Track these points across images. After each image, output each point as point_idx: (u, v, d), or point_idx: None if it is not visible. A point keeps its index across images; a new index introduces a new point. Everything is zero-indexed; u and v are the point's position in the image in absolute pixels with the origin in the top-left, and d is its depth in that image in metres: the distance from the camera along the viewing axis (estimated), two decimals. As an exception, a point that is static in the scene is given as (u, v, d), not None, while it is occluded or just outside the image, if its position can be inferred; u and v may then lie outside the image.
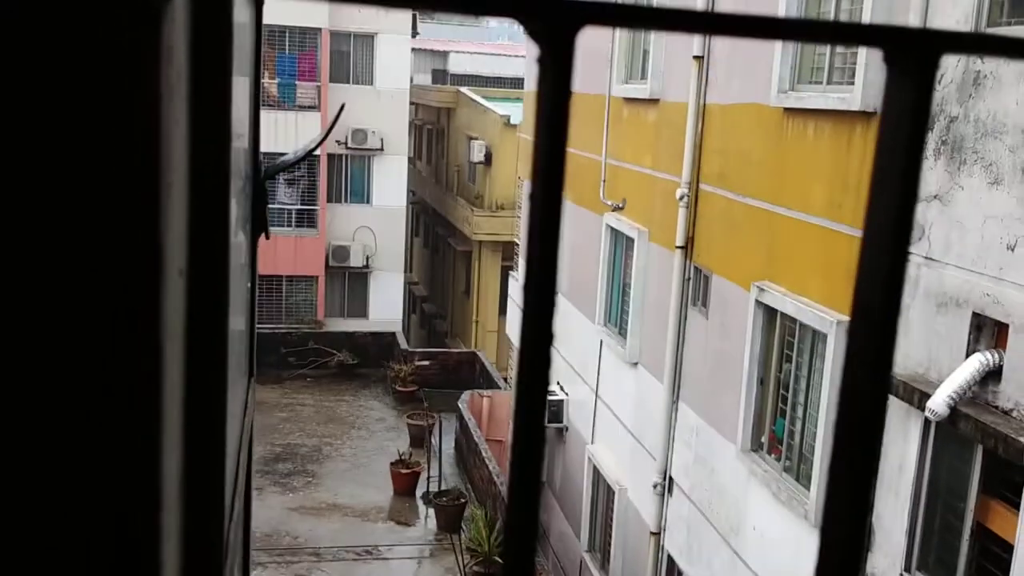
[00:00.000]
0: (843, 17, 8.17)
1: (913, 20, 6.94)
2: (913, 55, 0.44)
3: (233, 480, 1.29)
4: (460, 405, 19.68)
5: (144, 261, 0.50)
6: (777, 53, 8.77)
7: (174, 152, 0.55)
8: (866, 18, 7.50)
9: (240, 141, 1.42)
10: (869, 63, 7.42)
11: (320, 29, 25.66)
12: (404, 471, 18.03)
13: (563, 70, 0.42)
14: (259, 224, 1.71)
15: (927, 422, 6.68)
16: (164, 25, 0.48)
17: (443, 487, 17.70)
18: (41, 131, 0.48)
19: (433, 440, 18.75)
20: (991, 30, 6.39)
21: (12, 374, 0.51)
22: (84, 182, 0.49)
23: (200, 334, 0.72)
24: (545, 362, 0.45)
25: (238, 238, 1.39)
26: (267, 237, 1.79)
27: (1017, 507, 6.06)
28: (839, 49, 8.24)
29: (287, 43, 25.77)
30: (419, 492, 18.10)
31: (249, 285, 1.71)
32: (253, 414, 1.83)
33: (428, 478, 17.92)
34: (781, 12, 8.71)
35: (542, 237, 0.42)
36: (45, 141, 0.48)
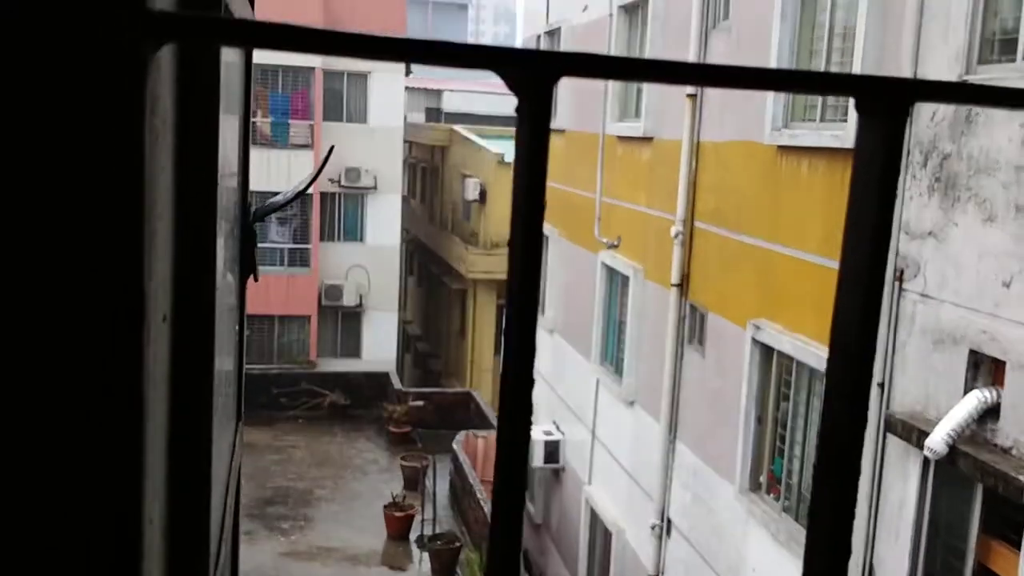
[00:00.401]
0: (835, 55, 8.24)
1: (905, 59, 6.99)
2: (884, 103, 0.45)
3: (220, 525, 1.24)
4: (455, 446, 19.55)
5: (126, 308, 0.49)
6: (770, 91, 8.82)
7: (159, 198, 0.53)
8: (857, 56, 7.56)
9: (229, 182, 1.39)
10: (861, 101, 7.45)
11: (313, 68, 25.83)
12: (398, 514, 17.83)
13: (540, 119, 0.43)
14: (247, 266, 1.68)
15: (926, 461, 6.63)
16: (150, 76, 0.46)
17: (437, 530, 17.50)
18: (26, 178, 0.48)
19: (427, 482, 18.58)
20: (982, 68, 6.43)
21: None
22: (66, 229, 0.49)
23: (185, 380, 0.69)
24: (527, 395, 0.44)
25: (226, 280, 1.36)
26: (255, 279, 1.75)
27: (1018, 547, 5.99)
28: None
29: (280, 82, 25.94)
30: (413, 535, 17.90)
31: (237, 328, 1.67)
32: (241, 458, 1.79)
33: (422, 521, 17.72)
34: (773, 53, 8.78)
35: (521, 278, 0.41)
36: (30, 188, 0.48)
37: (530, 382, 0.45)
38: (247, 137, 1.75)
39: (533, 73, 0.43)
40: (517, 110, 0.44)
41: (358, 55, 0.42)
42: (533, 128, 0.43)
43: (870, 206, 0.47)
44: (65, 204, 0.48)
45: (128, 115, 0.47)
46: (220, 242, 1.26)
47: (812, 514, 0.49)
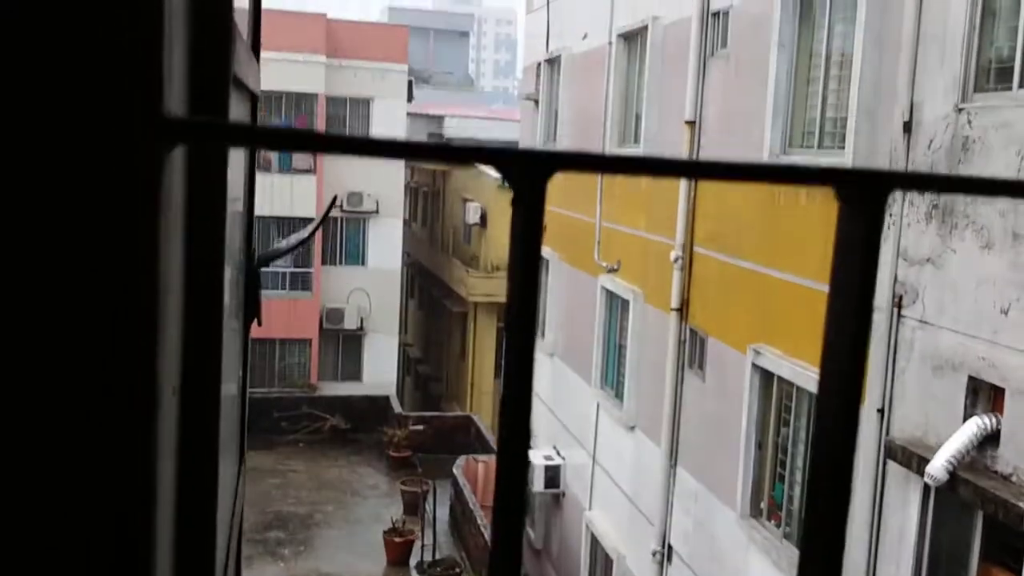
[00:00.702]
0: (832, 82, 8.30)
1: (901, 86, 7.05)
2: (863, 194, 0.47)
3: (223, 571, 1.26)
4: (455, 471, 19.48)
5: (139, 390, 0.51)
6: (768, 117, 8.89)
7: (170, 283, 0.56)
8: (854, 84, 7.62)
9: (234, 230, 1.42)
10: (860, 128, 7.51)
11: (316, 94, 25.98)
12: (398, 539, 17.75)
13: (535, 212, 0.45)
14: (251, 311, 1.71)
15: (926, 487, 6.62)
16: (165, 173, 0.50)
17: (437, 556, 17.42)
18: (46, 274, 0.50)
19: (427, 507, 18.51)
20: (978, 96, 6.48)
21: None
22: (81, 317, 0.51)
23: (192, 445, 0.71)
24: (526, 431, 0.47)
25: (231, 327, 1.38)
26: (259, 323, 1.78)
27: (1019, 574, 5.98)
28: (829, 113, 8.36)
29: (283, 108, 26.08)
30: (413, 561, 17.80)
31: (240, 373, 1.70)
32: (243, 498, 1.81)
33: (422, 547, 17.63)
34: (771, 80, 8.85)
35: (518, 366, 0.43)
36: (50, 285, 0.50)
37: (528, 415, 0.48)
38: (252, 182, 1.78)
39: (530, 171, 0.46)
40: (513, 202, 0.46)
41: (365, 155, 0.46)
42: (528, 219, 0.46)
43: (851, 293, 0.49)
44: (81, 295, 0.50)
45: (143, 215, 0.50)
46: (226, 291, 1.30)
47: (805, 536, 0.51)
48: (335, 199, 3.37)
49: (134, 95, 0.49)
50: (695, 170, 0.52)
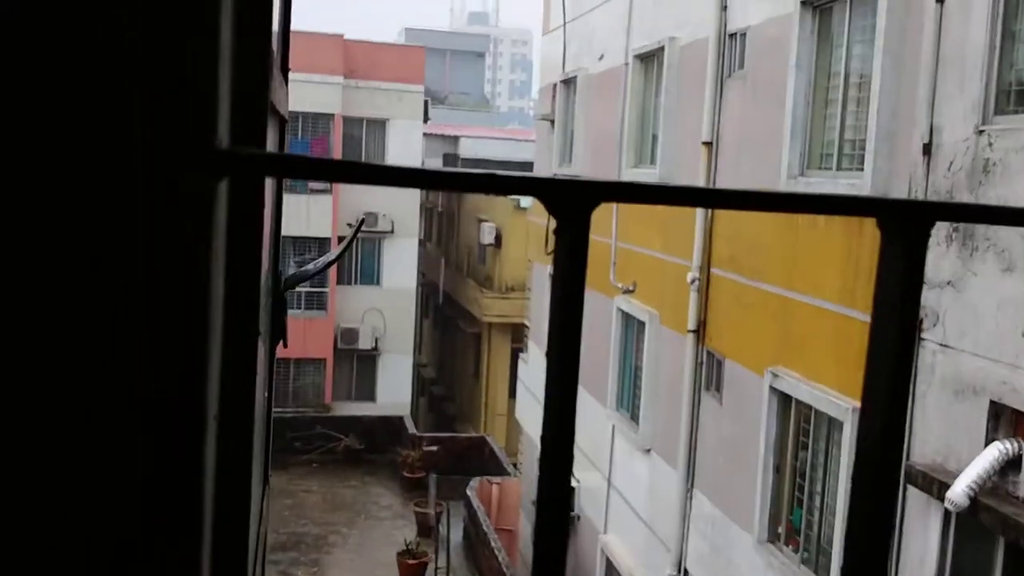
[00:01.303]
0: (851, 104, 8.28)
1: (920, 109, 7.02)
2: (905, 225, 0.47)
3: None
4: (469, 492, 19.41)
5: (189, 411, 0.51)
6: (786, 138, 8.87)
7: (215, 310, 0.56)
8: (872, 106, 7.59)
9: (264, 259, 1.42)
10: (879, 150, 7.48)
11: (332, 115, 26.15)
12: (411, 562, 17.67)
13: (579, 243, 0.46)
14: (277, 333, 1.70)
15: (947, 513, 6.54)
16: (216, 206, 0.50)
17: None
18: (100, 306, 0.51)
19: (441, 529, 18.44)
20: (999, 119, 6.44)
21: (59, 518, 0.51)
22: (132, 347, 0.52)
23: (227, 475, 0.71)
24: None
25: (260, 348, 1.38)
26: (285, 345, 1.77)
27: (1045, 603, 5.89)
28: (848, 135, 8.33)
29: (300, 128, 26.25)
30: (427, 582, 17.73)
31: (267, 395, 1.69)
32: (268, 522, 1.80)
33: (436, 569, 17.55)
34: (788, 102, 8.83)
35: (559, 410, 0.42)
36: (105, 316, 0.51)
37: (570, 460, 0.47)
38: (280, 207, 1.78)
39: (573, 200, 0.46)
40: (556, 232, 0.47)
41: (406, 186, 0.45)
42: (572, 250, 0.47)
43: (892, 328, 0.49)
44: (134, 326, 0.51)
45: (196, 244, 0.50)
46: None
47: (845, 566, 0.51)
48: (362, 221, 3.39)
49: (190, 128, 0.49)
50: (738, 200, 0.51)
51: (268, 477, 1.77)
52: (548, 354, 0.48)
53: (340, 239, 26.49)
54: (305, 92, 25.34)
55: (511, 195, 0.47)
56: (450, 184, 0.49)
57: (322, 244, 26.23)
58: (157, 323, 0.51)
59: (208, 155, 0.48)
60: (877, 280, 0.50)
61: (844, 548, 0.50)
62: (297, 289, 26.45)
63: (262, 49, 0.79)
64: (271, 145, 1.26)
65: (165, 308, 0.51)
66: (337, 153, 26.20)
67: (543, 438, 0.48)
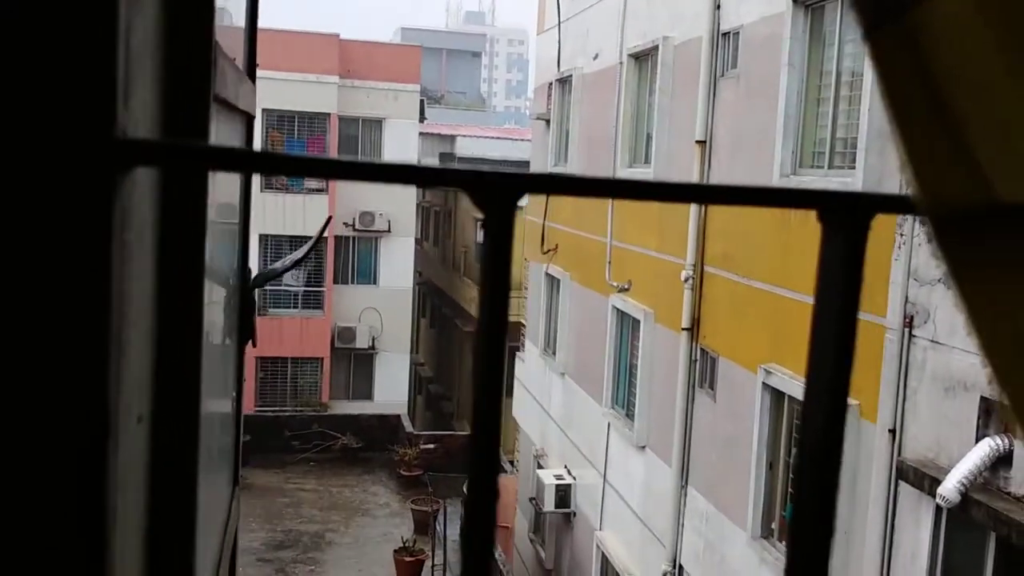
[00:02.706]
0: (843, 103, 8.29)
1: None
2: (845, 217, 0.47)
3: None
4: (465, 490, 19.37)
5: (90, 420, 0.50)
6: (779, 137, 8.88)
7: (132, 306, 0.55)
8: (864, 104, 7.61)
9: (229, 250, 1.42)
10: (870, 147, 7.50)
11: (329, 114, 26.14)
12: (408, 559, 17.69)
13: (503, 233, 0.45)
14: (246, 333, 1.71)
15: (939, 509, 6.56)
16: (123, 193, 0.49)
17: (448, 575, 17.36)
18: None
19: (438, 526, 18.46)
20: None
21: None
22: (25, 343, 0.50)
23: (165, 479, 0.71)
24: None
25: (225, 348, 1.39)
26: (254, 345, 1.78)
27: (1034, 598, 5.91)
28: (840, 133, 8.35)
29: (296, 128, 26.24)
30: (424, 580, 17.75)
31: (235, 394, 1.70)
32: (236, 524, 1.80)
33: (432, 566, 17.58)
34: (781, 101, 8.85)
35: (485, 387, 0.43)
36: None
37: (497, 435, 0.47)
38: (248, 204, 1.79)
39: (497, 192, 0.46)
40: (482, 224, 0.47)
41: (325, 177, 0.46)
42: (497, 241, 0.46)
43: (833, 315, 0.48)
44: (26, 321, 0.50)
45: (94, 237, 0.49)
46: (220, 309, 1.30)
47: (789, 552, 0.51)
48: (329, 219, 3.40)
49: (83, 116, 0.48)
50: (671, 193, 0.52)
51: (238, 478, 1.77)
52: (474, 347, 0.50)
53: (336, 238, 26.50)
54: (301, 92, 25.34)
55: (435, 187, 0.49)
56: (368, 175, 0.49)
57: (318, 243, 26.21)
58: (49, 320, 0.49)
59: (106, 144, 0.47)
60: (818, 274, 0.50)
61: (788, 540, 0.50)
62: (294, 288, 26.46)
63: (200, 35, 0.79)
64: (228, 142, 1.27)
65: (58, 304, 0.49)
66: (333, 152, 26.18)
67: (471, 430, 0.49)
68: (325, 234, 25.90)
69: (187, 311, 0.74)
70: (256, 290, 1.90)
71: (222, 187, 1.18)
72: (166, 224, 0.64)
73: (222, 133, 1.06)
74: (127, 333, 0.54)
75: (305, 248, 2.89)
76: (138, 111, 0.56)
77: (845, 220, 0.49)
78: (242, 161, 0.44)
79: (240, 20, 1.58)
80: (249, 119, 1.59)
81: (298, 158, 0.46)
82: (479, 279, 0.51)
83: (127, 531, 0.60)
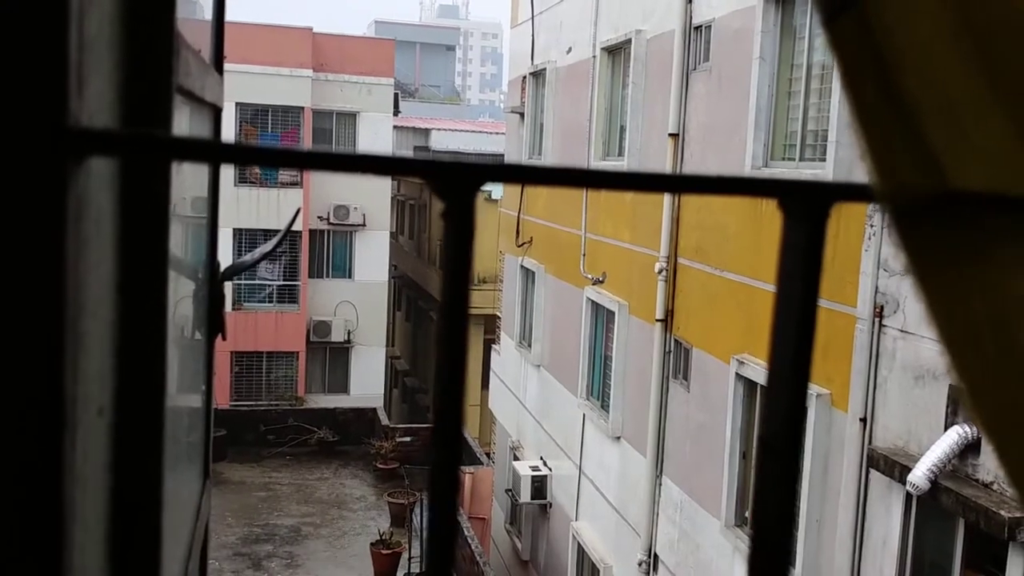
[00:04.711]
0: (813, 96, 8.36)
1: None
2: (805, 205, 0.47)
3: None
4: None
5: (45, 411, 0.50)
6: (750, 129, 8.94)
7: (91, 296, 0.55)
8: (835, 96, 7.67)
9: (197, 242, 1.42)
10: (840, 140, 7.57)
11: (303, 108, 25.99)
12: (385, 551, 17.69)
13: (464, 222, 0.46)
14: (215, 326, 1.71)
15: (909, 496, 6.65)
16: (78, 182, 0.49)
17: (424, 568, 17.34)
18: None
19: (415, 519, 18.46)
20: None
21: None
22: None
23: (129, 471, 0.71)
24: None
25: (194, 341, 1.39)
26: (223, 338, 1.79)
27: (1001, 582, 6.01)
28: (811, 126, 8.42)
29: (270, 121, 26.07)
30: (400, 573, 17.75)
31: (204, 387, 1.70)
32: (208, 519, 1.80)
33: (409, 558, 17.58)
34: (752, 93, 8.91)
35: (448, 376, 0.44)
36: None
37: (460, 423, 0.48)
38: (217, 200, 1.79)
39: (457, 182, 0.46)
40: (442, 214, 0.48)
41: (283, 166, 0.46)
42: (458, 229, 0.46)
43: (794, 303, 0.49)
44: None
45: (46, 226, 0.49)
46: (188, 302, 1.30)
47: (754, 525, 0.51)
48: (298, 211, 3.39)
49: (33, 104, 0.48)
50: (640, 182, 0.53)
51: (209, 472, 1.77)
52: (436, 334, 0.50)
53: (311, 232, 26.37)
54: (274, 85, 25.18)
55: (395, 176, 0.49)
56: (329, 165, 0.49)
57: (293, 237, 26.08)
58: (0, 310, 0.49)
59: (57, 134, 0.47)
60: (779, 263, 0.50)
61: (750, 526, 0.51)
62: (269, 283, 26.33)
63: (161, 24, 0.78)
64: (194, 134, 1.27)
65: (10, 293, 0.49)
66: (308, 146, 25.99)
67: (433, 416, 0.49)
68: (297, 227, 25.74)
69: (150, 301, 0.74)
70: (226, 283, 1.90)
71: (190, 179, 1.18)
72: (126, 214, 0.64)
73: (188, 125, 1.06)
74: (85, 323, 0.54)
75: (275, 240, 2.90)
76: (94, 101, 0.55)
77: (805, 208, 0.49)
78: (195, 151, 0.45)
79: (207, 12, 1.58)
80: (216, 111, 1.58)
81: (255, 148, 0.46)
82: (441, 271, 0.52)
83: (88, 525, 0.60)
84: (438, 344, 0.48)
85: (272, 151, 0.48)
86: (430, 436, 0.48)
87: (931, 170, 0.44)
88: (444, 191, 0.47)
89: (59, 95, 0.48)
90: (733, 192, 0.52)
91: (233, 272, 2.13)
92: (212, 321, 1.64)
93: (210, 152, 0.44)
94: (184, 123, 1.02)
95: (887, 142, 0.45)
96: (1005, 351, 0.43)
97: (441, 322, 0.49)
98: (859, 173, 7.38)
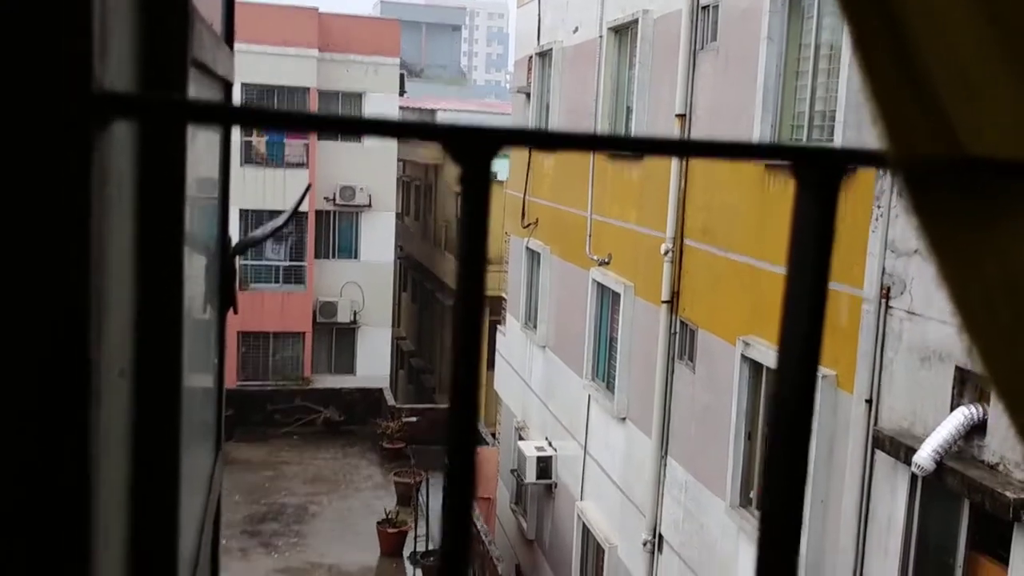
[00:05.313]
0: (821, 75, 8.32)
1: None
2: (817, 172, 0.47)
3: (191, 567, 1.24)
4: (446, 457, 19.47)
5: (71, 370, 0.50)
6: (758, 110, 8.90)
7: (113, 259, 0.56)
8: (843, 76, 7.63)
9: (209, 217, 1.43)
10: (848, 120, 7.53)
11: (308, 88, 25.92)
12: (391, 530, 17.79)
13: (481, 188, 0.46)
14: (227, 300, 1.72)
15: (914, 477, 6.66)
16: (101, 147, 0.50)
17: (431, 546, 17.47)
18: None
19: (421, 498, 18.55)
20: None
21: None
22: (5, 294, 0.50)
23: (150, 430, 0.72)
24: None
25: (204, 315, 1.39)
26: (235, 312, 1.80)
27: (1005, 563, 6.02)
28: (818, 106, 8.38)
29: (276, 102, 26.00)
30: (407, 552, 17.86)
31: (216, 360, 1.71)
32: (220, 489, 1.81)
33: (415, 537, 17.68)
34: (760, 73, 8.87)
35: (463, 341, 0.44)
36: None
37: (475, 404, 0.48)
38: (227, 176, 1.79)
39: (475, 146, 0.46)
40: (460, 179, 0.47)
41: (300, 129, 0.46)
42: (474, 195, 0.46)
43: (807, 269, 0.49)
44: (5, 272, 0.50)
45: (74, 189, 0.49)
46: (199, 276, 1.31)
47: (763, 508, 0.51)
48: (308, 187, 3.40)
49: (60, 69, 0.48)
50: (651, 147, 0.52)
51: (221, 444, 1.78)
52: (454, 307, 0.50)
53: (317, 212, 26.36)
54: (280, 65, 25.11)
55: (412, 140, 0.49)
56: (345, 128, 0.49)
57: (299, 218, 26.07)
58: (30, 273, 0.50)
59: (83, 96, 0.48)
60: (792, 230, 0.50)
61: (761, 505, 0.50)
62: (275, 263, 26.34)
63: (177, 2, 0.79)
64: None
65: (38, 256, 0.50)
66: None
67: (451, 393, 0.49)
68: (304, 207, 25.73)
69: (168, 266, 0.75)
70: (237, 258, 1.90)
71: (201, 154, 1.18)
72: (145, 180, 0.65)
73: (201, 97, 1.06)
74: (108, 286, 0.55)
75: (285, 215, 2.90)
76: (115, 68, 0.56)
77: (817, 174, 0.49)
78: (217, 115, 0.45)
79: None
80: (228, 86, 1.59)
81: (273, 112, 0.46)
82: (456, 238, 0.51)
83: (110, 481, 0.61)
84: (456, 303, 0.48)
85: (289, 115, 0.48)
86: (449, 387, 0.48)
87: (945, 137, 0.44)
88: (462, 155, 0.47)
89: (84, 59, 0.49)
90: (745, 157, 0.52)
91: (244, 246, 2.14)
92: (224, 295, 1.65)
93: (227, 115, 0.44)
94: (198, 95, 1.02)
95: (900, 109, 0.45)
96: (1018, 314, 0.44)
97: (459, 284, 0.50)
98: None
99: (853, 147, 0.54)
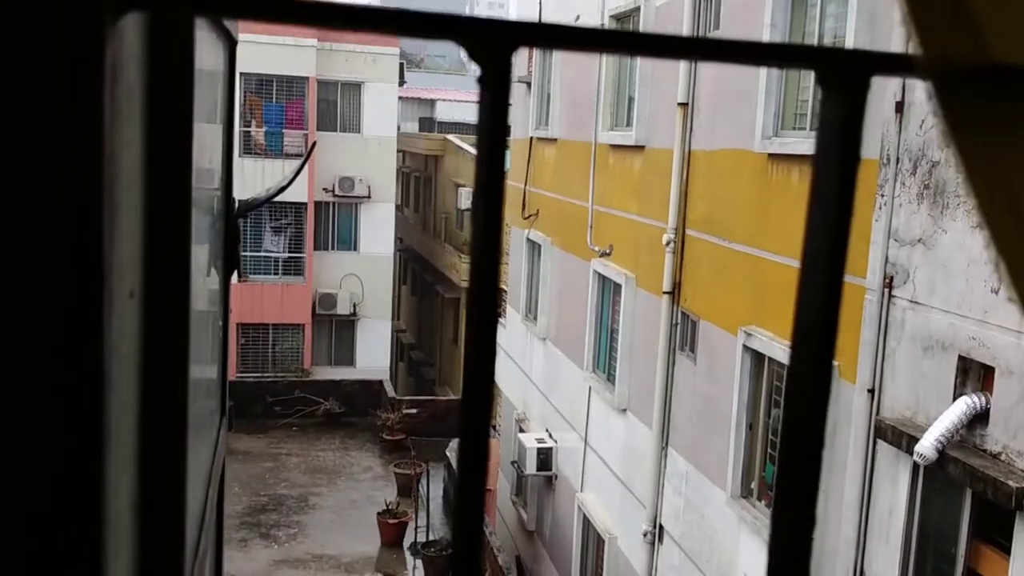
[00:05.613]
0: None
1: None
2: (844, 76, 0.45)
3: (200, 514, 1.24)
4: (448, 453, 19.53)
5: (85, 277, 0.49)
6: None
7: (123, 170, 0.54)
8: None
9: (212, 180, 1.40)
10: (851, 109, 7.49)
11: (307, 78, 25.87)
12: (391, 521, 17.81)
13: (501, 87, 0.44)
14: (231, 262, 1.70)
15: (916, 466, 6.65)
16: (112, 45, 0.48)
17: (431, 537, 17.49)
18: None
19: (421, 489, 18.56)
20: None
21: None
22: (14, 200, 0.49)
23: (158, 357, 0.70)
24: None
25: (210, 277, 1.37)
26: (239, 278, 1.78)
27: (1008, 552, 6.01)
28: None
29: (274, 92, 25.96)
30: (407, 542, 17.87)
31: (221, 323, 1.69)
32: (225, 453, 1.80)
33: (416, 528, 17.71)
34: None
35: (483, 252, 0.42)
36: None
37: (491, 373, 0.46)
38: (231, 138, 1.77)
39: (493, 43, 0.44)
40: (479, 79, 0.45)
41: (312, 24, 0.44)
42: (494, 96, 0.44)
43: (832, 184, 0.48)
44: (14, 173, 0.49)
45: (85, 83, 0.48)
46: (203, 236, 1.28)
47: (777, 500, 0.49)
48: (313, 144, 3.38)
49: None
50: (672, 47, 0.49)
51: (226, 408, 1.77)
52: (472, 211, 0.48)
53: (316, 204, 26.33)
54: (279, 55, 25.05)
55: (428, 38, 0.46)
56: (353, 23, 0.46)
57: (298, 209, 26.06)
58: (42, 177, 0.48)
59: None
60: (817, 140, 0.48)
61: (775, 486, 0.49)
62: (274, 255, 26.32)
63: None
64: (213, 66, 1.24)
65: (50, 158, 0.48)
66: (312, 117, 25.96)
67: (466, 345, 0.47)
68: (303, 199, 25.65)
69: (177, 177, 0.73)
70: (240, 220, 1.88)
71: (206, 139, 1.16)
72: (154, 81, 0.63)
73: (207, 55, 1.04)
74: (116, 197, 0.53)
75: (291, 175, 2.89)
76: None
77: (844, 78, 0.47)
78: (229, 5, 0.43)
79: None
80: (232, 45, 1.56)
81: (285, 2, 0.44)
82: (475, 143, 0.49)
83: (122, 397, 0.59)
84: (474, 202, 0.46)
85: (307, 5, 0.45)
86: (466, 350, 0.46)
87: (975, 41, 0.42)
88: (479, 53, 0.44)
89: None
90: (766, 60, 0.50)
91: (248, 208, 2.13)
92: (228, 257, 1.63)
93: (245, 7, 0.42)
94: (204, 53, 1.00)
95: (931, 11, 0.44)
96: None
97: (476, 197, 0.47)
98: (869, 142, 7.31)
99: (881, 51, 0.51)
